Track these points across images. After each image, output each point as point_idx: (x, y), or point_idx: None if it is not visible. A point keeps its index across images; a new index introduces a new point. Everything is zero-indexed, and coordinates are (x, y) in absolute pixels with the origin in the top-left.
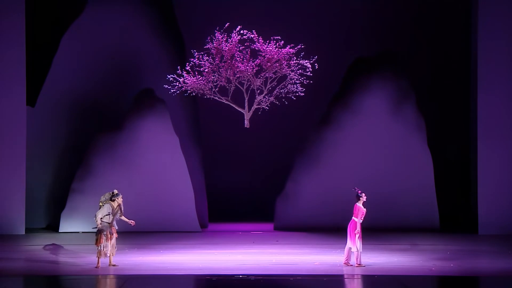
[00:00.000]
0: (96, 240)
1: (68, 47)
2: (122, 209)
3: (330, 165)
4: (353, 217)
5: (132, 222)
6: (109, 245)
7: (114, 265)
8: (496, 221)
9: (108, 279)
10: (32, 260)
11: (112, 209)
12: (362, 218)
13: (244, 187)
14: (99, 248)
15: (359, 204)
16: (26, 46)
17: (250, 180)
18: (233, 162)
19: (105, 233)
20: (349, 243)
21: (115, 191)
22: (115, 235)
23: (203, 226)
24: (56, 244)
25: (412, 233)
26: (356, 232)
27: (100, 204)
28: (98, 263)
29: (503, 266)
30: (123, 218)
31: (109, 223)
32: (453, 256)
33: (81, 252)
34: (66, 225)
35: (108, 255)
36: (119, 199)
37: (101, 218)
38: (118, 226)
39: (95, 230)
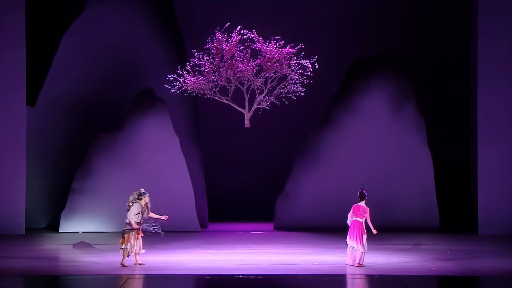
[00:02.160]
0: (123, 239)
1: (68, 47)
2: (149, 208)
3: (330, 165)
4: (356, 218)
5: (164, 217)
6: (136, 244)
7: (140, 264)
8: (496, 221)
9: (109, 279)
10: (32, 260)
11: (141, 208)
12: None
13: (244, 187)
14: (127, 248)
15: (363, 204)
16: (26, 46)
17: (250, 180)
18: (233, 162)
19: (133, 232)
20: (353, 243)
21: (142, 190)
22: (141, 234)
23: (203, 226)
24: (85, 242)
25: (412, 233)
26: (374, 232)
27: (130, 204)
28: (123, 260)
29: (503, 266)
30: (152, 215)
31: (138, 222)
32: (453, 256)
33: (81, 252)
34: (66, 225)
35: (134, 254)
36: (146, 198)
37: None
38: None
39: (128, 229)
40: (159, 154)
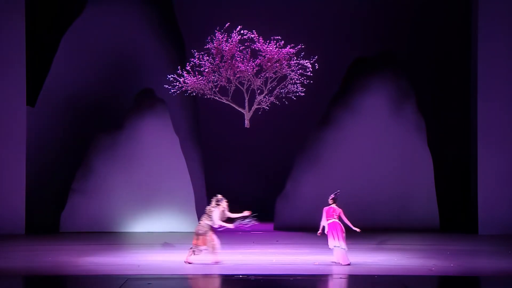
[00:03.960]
0: (200, 240)
1: (68, 47)
2: (226, 213)
3: (330, 165)
4: (333, 219)
5: (247, 212)
6: (211, 244)
7: (217, 262)
8: (496, 221)
9: (109, 279)
10: (32, 260)
11: (219, 213)
12: None
13: (244, 187)
14: (200, 247)
15: (335, 206)
16: (26, 46)
17: (250, 180)
18: (233, 162)
19: (207, 233)
20: (337, 243)
21: (219, 196)
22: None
23: None
24: (168, 243)
25: (412, 233)
26: (357, 230)
27: (211, 208)
28: (190, 257)
29: (503, 266)
30: (233, 215)
31: (210, 225)
32: (453, 256)
33: (81, 252)
34: (66, 225)
35: (213, 251)
36: (223, 204)
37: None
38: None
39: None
40: (159, 154)
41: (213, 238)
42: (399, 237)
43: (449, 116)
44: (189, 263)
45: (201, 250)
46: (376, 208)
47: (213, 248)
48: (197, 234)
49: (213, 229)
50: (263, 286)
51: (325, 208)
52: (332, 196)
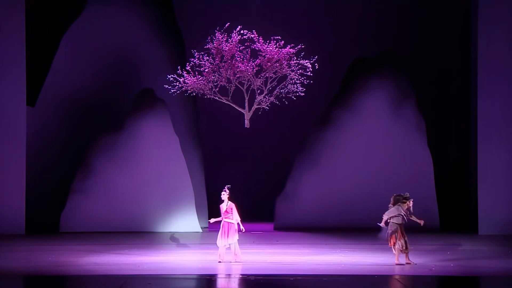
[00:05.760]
0: (389, 240)
1: (68, 47)
2: (411, 211)
3: (330, 165)
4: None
5: (421, 221)
6: (401, 243)
7: (410, 263)
8: (496, 221)
9: (109, 279)
10: (32, 260)
11: (402, 211)
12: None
13: (244, 187)
14: (396, 246)
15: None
16: (26, 46)
17: (250, 180)
18: (233, 162)
19: (396, 233)
20: (229, 241)
21: (407, 194)
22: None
23: (203, 226)
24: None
25: (412, 233)
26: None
27: (390, 205)
28: (397, 259)
29: (503, 266)
30: (412, 218)
31: (398, 224)
32: (453, 256)
33: (81, 252)
34: (66, 225)
35: (402, 252)
36: (410, 203)
37: (391, 219)
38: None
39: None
40: (159, 154)
41: (402, 236)
42: None
43: (449, 116)
44: (401, 264)
45: (403, 248)
46: (375, 208)
47: (401, 247)
48: (392, 233)
49: (402, 227)
50: (263, 286)
51: (234, 205)
52: (228, 191)
